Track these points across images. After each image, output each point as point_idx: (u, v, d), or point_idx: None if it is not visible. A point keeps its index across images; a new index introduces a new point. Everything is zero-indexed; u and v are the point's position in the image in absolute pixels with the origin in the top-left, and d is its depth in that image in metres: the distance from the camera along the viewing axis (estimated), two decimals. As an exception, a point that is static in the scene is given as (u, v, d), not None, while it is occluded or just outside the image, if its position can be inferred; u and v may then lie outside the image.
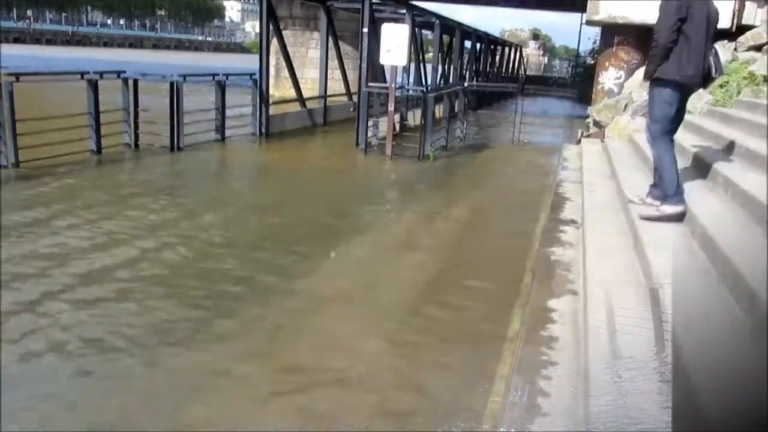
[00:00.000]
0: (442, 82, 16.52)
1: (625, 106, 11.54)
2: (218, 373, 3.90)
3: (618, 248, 4.62)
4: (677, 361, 2.68)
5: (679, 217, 4.60)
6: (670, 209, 4.68)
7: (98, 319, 4.52)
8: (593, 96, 14.11)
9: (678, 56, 4.60)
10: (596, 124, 12.59)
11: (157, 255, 5.97)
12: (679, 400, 2.52)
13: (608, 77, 13.71)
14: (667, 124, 4.82)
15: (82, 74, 10.01)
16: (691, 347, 2.66)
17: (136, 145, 11.06)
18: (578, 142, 12.14)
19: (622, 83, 13.28)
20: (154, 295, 5.02)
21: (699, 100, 8.38)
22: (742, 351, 2.68)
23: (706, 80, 4.82)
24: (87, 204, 7.47)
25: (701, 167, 5.56)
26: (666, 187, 4.77)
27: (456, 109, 15.57)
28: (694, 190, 4.96)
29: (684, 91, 4.81)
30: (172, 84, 11.08)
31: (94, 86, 9.91)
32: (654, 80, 4.81)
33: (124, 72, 10.75)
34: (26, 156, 8.89)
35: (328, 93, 16.47)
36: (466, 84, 17.35)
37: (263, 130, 13.52)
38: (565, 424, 2.66)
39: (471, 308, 5.14)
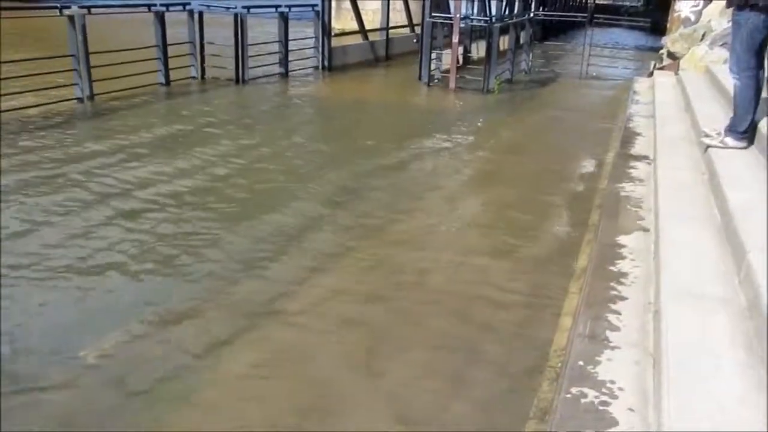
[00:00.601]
0: (507, 12, 15.91)
1: (703, 35, 10.90)
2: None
3: (692, 184, 4.49)
4: (754, 299, 2.64)
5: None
6: (732, 142, 4.69)
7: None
8: (668, 25, 13.38)
9: None
10: (670, 55, 11.99)
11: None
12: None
13: (685, 4, 12.90)
14: (752, 57, 4.58)
15: (149, 6, 10.13)
16: (768, 284, 2.61)
17: (203, 78, 11.24)
18: (650, 74, 11.62)
19: (700, 11, 12.50)
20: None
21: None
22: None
23: None
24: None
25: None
26: (737, 122, 4.68)
27: (521, 41, 15.08)
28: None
29: None
30: (236, 16, 11.09)
31: (160, 18, 10.04)
32: (740, 7, 4.53)
33: (189, 4, 10.82)
34: (100, 89, 9.17)
35: (390, 24, 16.15)
36: (532, 14, 16.70)
37: (326, 64, 13.46)
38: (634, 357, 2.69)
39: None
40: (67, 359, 3.29)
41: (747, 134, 4.65)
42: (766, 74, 4.68)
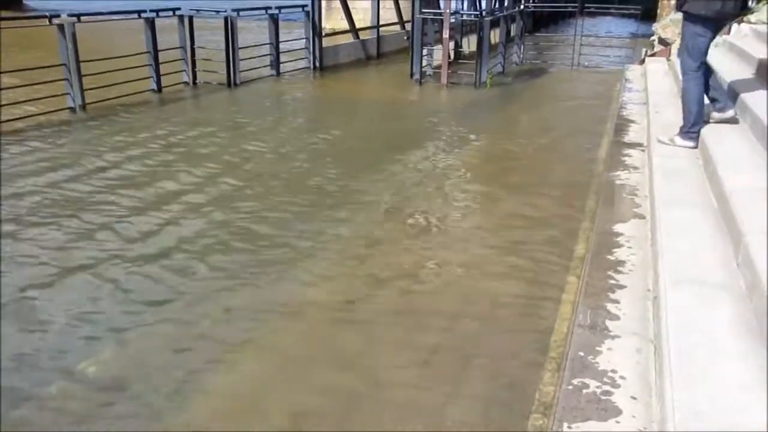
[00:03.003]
0: (497, 5, 15.88)
1: (694, 21, 10.89)
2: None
3: (687, 170, 4.50)
4: (753, 281, 2.63)
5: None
6: (680, 141, 4.93)
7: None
8: (659, 11, 13.41)
9: None
10: (661, 41, 12.00)
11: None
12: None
13: (675, -10, 12.94)
14: (695, 59, 4.73)
15: (139, 13, 10.09)
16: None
17: (194, 83, 11.21)
18: (642, 61, 11.63)
19: (691, -4, 12.51)
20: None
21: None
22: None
23: (740, 12, 4.70)
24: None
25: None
26: (685, 120, 4.89)
27: (512, 33, 15.07)
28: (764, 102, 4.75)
29: (715, 25, 4.70)
30: (226, 19, 11.06)
31: (151, 24, 10.00)
32: (684, 13, 4.67)
33: (179, 9, 10.79)
34: (92, 98, 9.13)
35: (381, 22, 16.12)
36: (522, 6, 16.68)
37: (317, 64, 13.42)
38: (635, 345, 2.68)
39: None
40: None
41: (695, 134, 4.84)
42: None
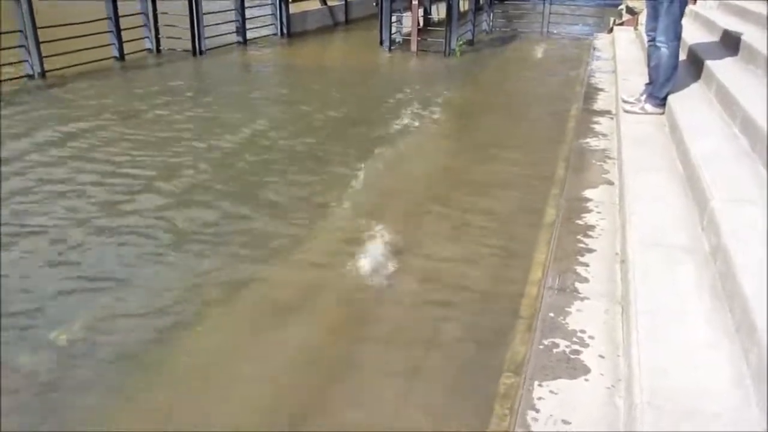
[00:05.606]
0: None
1: (661, -11, 10.95)
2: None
3: (654, 136, 4.56)
4: (717, 244, 2.69)
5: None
6: (651, 108, 5.02)
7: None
8: (627, -20, 13.42)
9: None
10: (629, 10, 12.07)
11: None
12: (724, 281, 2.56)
13: (643, -41, 12.97)
14: (678, 26, 4.79)
15: (98, -23, 9.78)
16: (731, 230, 2.66)
17: (158, 50, 10.94)
18: (610, 30, 11.69)
19: (658, -35, 12.56)
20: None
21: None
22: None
23: None
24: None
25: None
26: (658, 89, 4.95)
27: (482, 1, 15.00)
28: (729, 71, 4.83)
29: None
30: (189, -16, 10.78)
31: (111, -11, 9.70)
32: None
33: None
34: (51, 65, 8.87)
35: (349, -12, 15.90)
36: (491, -27, 16.58)
37: (284, 31, 13.22)
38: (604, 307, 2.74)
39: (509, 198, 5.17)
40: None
41: (665, 100, 4.92)
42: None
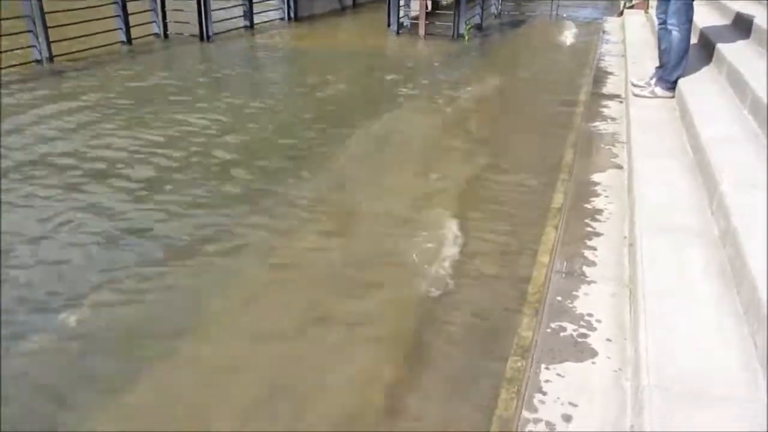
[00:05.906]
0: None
1: (673, -28, 10.82)
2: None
3: (664, 120, 4.53)
4: (726, 228, 2.68)
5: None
6: (661, 92, 5.00)
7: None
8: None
9: None
10: (640, -7, 11.91)
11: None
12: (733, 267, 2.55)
13: (654, -59, 12.79)
14: (690, 9, 4.77)
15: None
16: (740, 214, 2.65)
17: (166, 35, 10.91)
18: (620, 14, 11.58)
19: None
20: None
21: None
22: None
23: None
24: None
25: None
26: (669, 73, 4.93)
27: (491, -16, 14.88)
28: (741, 54, 4.78)
29: None
30: (196, -32, 10.71)
31: (118, -27, 9.66)
32: None
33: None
34: (59, 50, 8.87)
35: (357, -29, 15.78)
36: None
37: (292, 15, 13.15)
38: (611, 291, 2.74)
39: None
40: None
41: (676, 84, 4.89)
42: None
